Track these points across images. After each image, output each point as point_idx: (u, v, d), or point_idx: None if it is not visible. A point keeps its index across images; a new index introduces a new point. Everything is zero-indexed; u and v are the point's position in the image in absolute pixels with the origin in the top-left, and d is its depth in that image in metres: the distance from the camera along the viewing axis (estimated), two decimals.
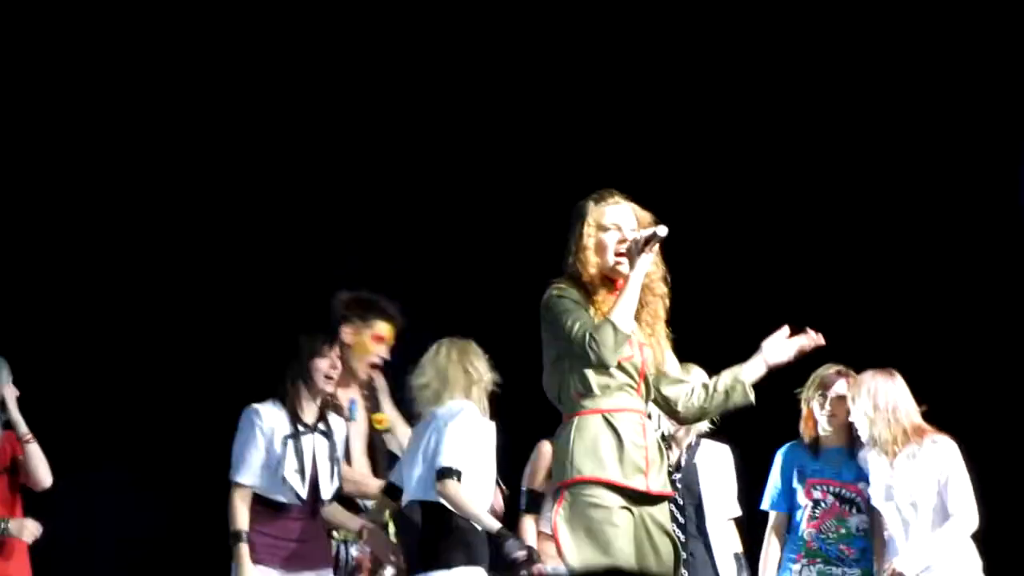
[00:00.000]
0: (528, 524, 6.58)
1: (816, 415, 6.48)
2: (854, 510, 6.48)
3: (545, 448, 6.51)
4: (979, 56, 7.81)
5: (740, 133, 8.18)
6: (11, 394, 6.55)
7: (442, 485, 6.03)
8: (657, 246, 5.33)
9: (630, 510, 5.31)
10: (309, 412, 6.34)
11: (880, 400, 6.32)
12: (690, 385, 5.51)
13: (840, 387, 6.47)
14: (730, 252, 8.10)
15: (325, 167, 8.34)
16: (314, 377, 6.31)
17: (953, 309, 7.87)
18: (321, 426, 6.37)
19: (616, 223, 5.41)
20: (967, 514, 6.27)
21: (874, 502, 6.40)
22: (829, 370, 6.50)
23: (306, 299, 7.44)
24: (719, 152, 8.17)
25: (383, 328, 6.70)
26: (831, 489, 6.52)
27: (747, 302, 7.70)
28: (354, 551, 6.51)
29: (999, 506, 6.54)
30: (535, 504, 6.60)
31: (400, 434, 6.69)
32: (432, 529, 6.13)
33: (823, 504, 6.53)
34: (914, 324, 7.79)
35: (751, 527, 6.71)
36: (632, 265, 5.32)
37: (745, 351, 5.27)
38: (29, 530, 6.57)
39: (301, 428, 6.29)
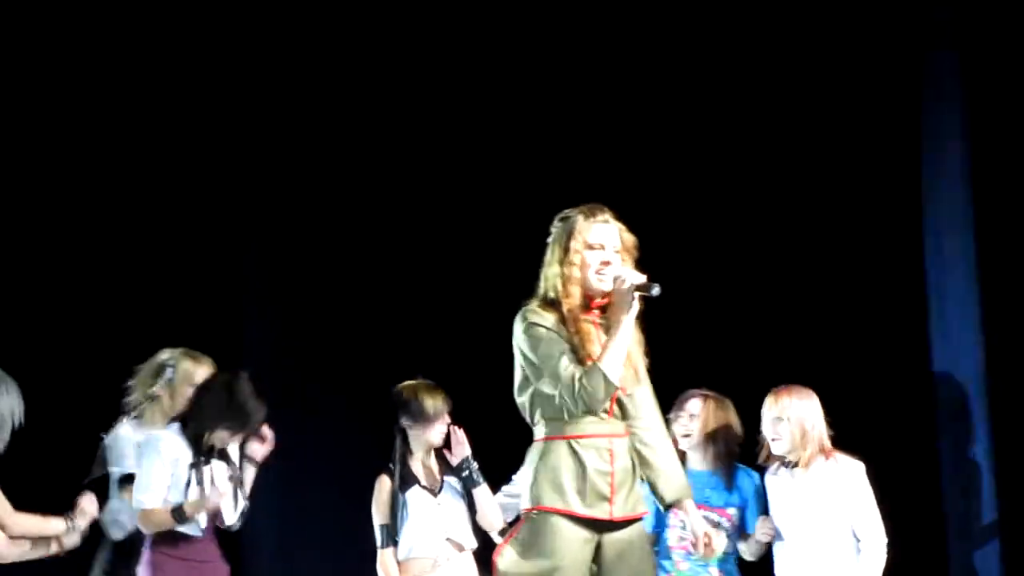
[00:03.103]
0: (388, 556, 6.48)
1: (673, 434, 6.38)
2: (723, 534, 6.46)
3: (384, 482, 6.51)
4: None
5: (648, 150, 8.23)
6: None
7: None
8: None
9: (593, 540, 5.34)
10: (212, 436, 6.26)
11: (808, 424, 6.40)
12: (662, 445, 5.56)
13: (693, 406, 6.56)
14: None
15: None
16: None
17: (847, 329, 7.90)
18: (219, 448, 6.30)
19: (601, 243, 5.40)
20: (879, 542, 6.37)
21: (772, 513, 6.45)
22: (688, 393, 6.61)
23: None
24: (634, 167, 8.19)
25: None
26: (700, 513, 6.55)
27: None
28: None
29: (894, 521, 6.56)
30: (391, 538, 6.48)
31: None
32: None
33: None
34: (806, 344, 7.80)
35: None
36: (624, 309, 5.28)
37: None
38: None
39: (203, 456, 6.19)
